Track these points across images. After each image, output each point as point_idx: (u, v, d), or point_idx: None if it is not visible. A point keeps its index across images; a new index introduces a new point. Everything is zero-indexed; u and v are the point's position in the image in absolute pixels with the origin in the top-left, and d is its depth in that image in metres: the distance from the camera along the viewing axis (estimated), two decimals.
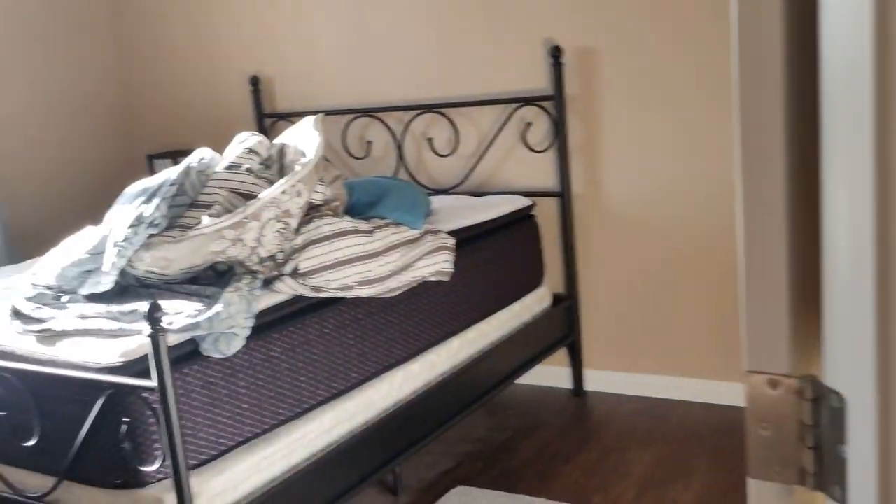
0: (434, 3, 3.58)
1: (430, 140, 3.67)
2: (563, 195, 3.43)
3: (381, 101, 3.76)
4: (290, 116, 3.89)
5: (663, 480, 2.81)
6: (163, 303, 1.95)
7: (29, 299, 2.30)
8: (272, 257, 2.35)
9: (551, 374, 3.61)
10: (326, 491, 2.29)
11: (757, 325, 0.64)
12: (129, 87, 4.43)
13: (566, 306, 3.49)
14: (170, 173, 2.45)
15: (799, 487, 0.67)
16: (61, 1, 4.13)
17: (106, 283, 2.26)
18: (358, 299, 2.48)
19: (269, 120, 4.02)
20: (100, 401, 1.88)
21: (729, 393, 3.26)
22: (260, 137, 2.68)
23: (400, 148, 3.74)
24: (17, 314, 2.22)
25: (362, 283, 2.47)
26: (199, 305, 2.09)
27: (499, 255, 3.16)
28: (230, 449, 2.09)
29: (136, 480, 1.93)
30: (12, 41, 3.94)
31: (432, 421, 2.71)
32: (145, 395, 1.83)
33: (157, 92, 4.36)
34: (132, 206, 2.35)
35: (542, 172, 3.49)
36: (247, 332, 2.10)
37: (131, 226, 2.25)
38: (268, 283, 2.32)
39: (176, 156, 4.06)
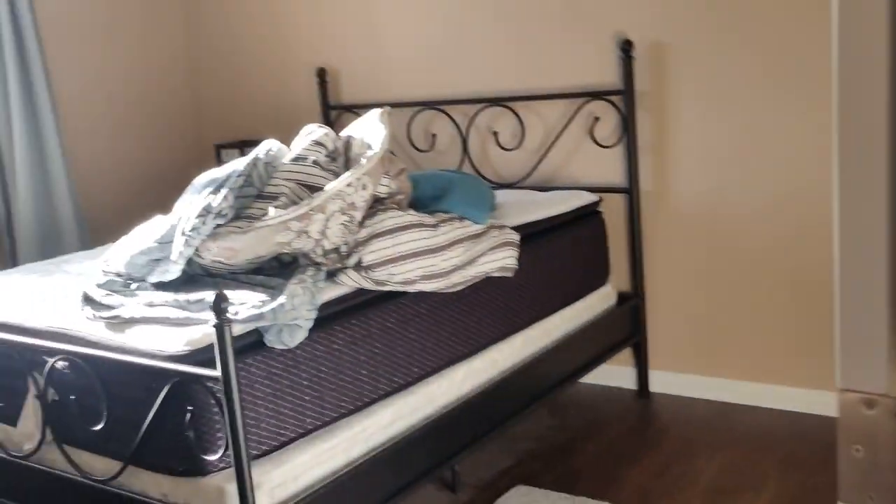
0: None
1: (495, 134, 3.64)
2: (630, 191, 3.37)
3: (446, 93, 3.74)
4: (356, 108, 3.90)
5: (731, 489, 2.74)
6: (228, 293, 1.96)
7: (100, 286, 2.34)
8: (336, 250, 2.35)
9: (616, 373, 3.55)
10: (385, 486, 2.28)
11: (853, 342, 0.60)
12: (198, 77, 4.49)
13: (632, 305, 3.43)
14: (237, 164, 2.47)
15: None
16: None
17: (173, 271, 2.29)
18: (421, 294, 2.47)
19: (334, 112, 4.03)
20: (165, 388, 1.89)
21: (802, 399, 3.17)
22: (326, 130, 2.68)
23: (465, 141, 3.72)
24: (88, 300, 2.26)
25: (425, 278, 2.45)
26: (263, 296, 2.09)
27: (564, 252, 3.12)
28: (291, 440, 2.09)
29: (198, 468, 1.94)
30: (86, 33, 4.01)
31: (493, 418, 2.68)
32: (209, 384, 1.84)
33: (226, 82, 4.41)
34: (200, 196, 2.37)
35: (609, 168, 3.43)
36: (310, 324, 2.10)
37: (199, 216, 2.27)
38: (331, 276, 2.32)
39: (243, 146, 4.10)
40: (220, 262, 2.27)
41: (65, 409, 2.12)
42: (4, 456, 2.29)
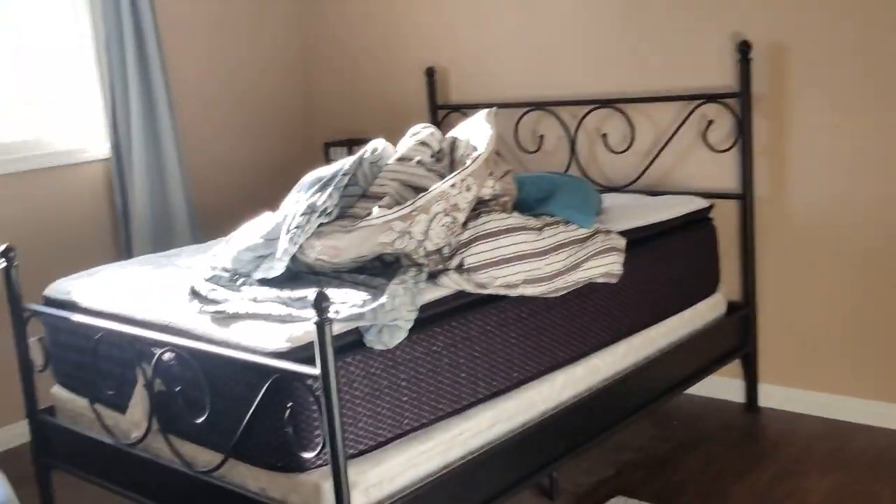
0: None
1: (604, 136, 3.56)
2: (744, 197, 3.24)
3: (554, 94, 3.68)
4: (464, 108, 3.88)
5: None
6: (330, 291, 1.97)
7: (206, 280, 2.39)
8: (438, 251, 2.33)
9: (723, 385, 3.43)
10: (481, 491, 2.25)
11: None
12: (310, 76, 4.56)
13: (742, 315, 3.30)
14: (343, 163, 2.49)
15: None
16: None
17: (278, 268, 2.32)
18: (522, 298, 2.43)
19: (442, 111, 4.03)
20: (266, 384, 1.91)
21: None
22: (432, 129, 2.67)
23: (572, 143, 3.65)
24: (195, 294, 2.31)
25: (528, 282, 2.41)
26: (365, 295, 2.10)
27: (672, 259, 3.02)
28: (388, 441, 2.09)
29: (296, 465, 1.96)
30: (202, 32, 4.12)
31: (593, 426, 2.62)
32: (309, 381, 1.85)
33: (336, 81, 4.46)
34: (306, 194, 2.40)
35: (722, 173, 3.31)
36: (410, 325, 2.09)
37: (304, 213, 2.30)
38: (433, 277, 2.31)
39: (351, 144, 4.15)
40: (323, 261, 2.29)
41: (170, 399, 2.18)
42: (114, 443, 2.37)
